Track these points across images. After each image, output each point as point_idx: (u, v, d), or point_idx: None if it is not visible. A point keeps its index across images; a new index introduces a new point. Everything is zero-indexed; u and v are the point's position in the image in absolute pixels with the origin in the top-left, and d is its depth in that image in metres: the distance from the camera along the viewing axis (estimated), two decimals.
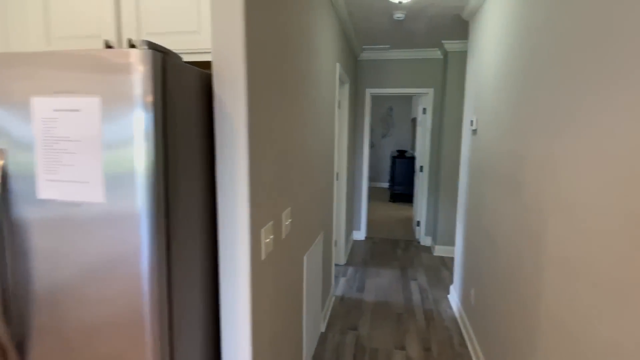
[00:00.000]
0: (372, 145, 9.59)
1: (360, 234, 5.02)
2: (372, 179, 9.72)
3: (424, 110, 4.75)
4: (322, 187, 2.56)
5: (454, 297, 3.13)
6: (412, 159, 7.51)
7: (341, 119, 3.86)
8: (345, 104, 3.86)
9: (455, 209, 4.35)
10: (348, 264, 4.11)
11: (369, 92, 4.74)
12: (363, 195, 4.92)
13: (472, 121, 2.70)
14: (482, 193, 2.47)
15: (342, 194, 3.93)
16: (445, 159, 4.29)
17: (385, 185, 9.70)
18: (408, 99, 9.34)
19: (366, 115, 4.79)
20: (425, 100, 4.71)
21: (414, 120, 8.05)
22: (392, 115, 9.48)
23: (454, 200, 4.34)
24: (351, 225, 4.88)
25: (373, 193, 8.70)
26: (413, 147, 7.96)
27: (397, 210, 6.83)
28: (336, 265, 4.03)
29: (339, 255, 4.02)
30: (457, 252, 3.15)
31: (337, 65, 3.00)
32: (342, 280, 3.64)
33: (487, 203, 2.33)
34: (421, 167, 4.86)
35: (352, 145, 4.58)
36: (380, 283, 3.59)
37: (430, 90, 4.58)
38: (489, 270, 2.24)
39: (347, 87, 3.84)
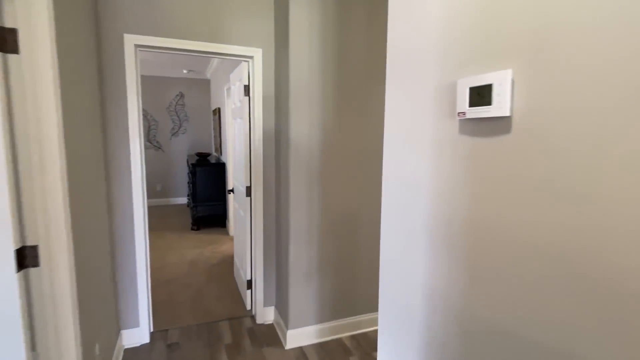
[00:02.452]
0: (157, 147, 6.78)
1: (139, 334, 2.50)
2: (161, 194, 6.93)
3: (245, 89, 2.65)
4: None
5: None
6: (221, 166, 5.31)
7: (30, 92, 1.28)
8: (47, 51, 1.31)
9: (325, 274, 2.48)
10: None
11: (130, 40, 2.25)
12: (138, 249, 2.42)
13: (484, 89, 0.79)
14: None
15: (61, 289, 1.40)
16: (301, 180, 2.34)
17: (182, 200, 7.11)
18: (206, 84, 7.01)
19: (130, 88, 2.28)
20: (247, 70, 2.62)
21: (217, 112, 5.84)
22: (185, 103, 6.94)
23: (323, 253, 2.46)
24: (115, 319, 2.32)
25: (163, 216, 6.00)
26: (219, 149, 5.77)
27: (205, 247, 4.50)
28: None
29: None
30: None
31: None
32: None
33: None
34: (248, 189, 2.76)
35: (94, 150, 2.02)
36: None
37: (257, 53, 2.51)
38: None
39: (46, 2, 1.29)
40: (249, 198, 2.77)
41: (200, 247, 4.52)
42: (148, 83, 6.65)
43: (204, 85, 6.99)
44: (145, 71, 6.43)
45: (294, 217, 2.35)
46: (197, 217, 5.28)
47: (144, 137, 6.66)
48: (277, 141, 2.60)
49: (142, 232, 2.41)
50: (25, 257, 1.33)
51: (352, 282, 2.59)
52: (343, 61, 2.32)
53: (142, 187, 2.40)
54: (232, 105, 3.34)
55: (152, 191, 6.85)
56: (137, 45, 2.28)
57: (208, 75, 6.75)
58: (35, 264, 1.35)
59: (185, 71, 6.44)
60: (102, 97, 2.20)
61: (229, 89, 4.48)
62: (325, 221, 2.44)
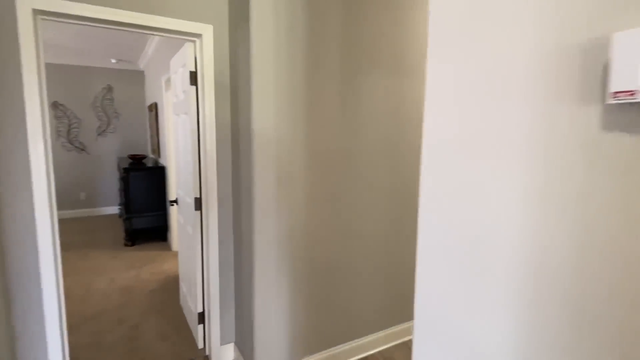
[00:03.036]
0: (80, 149, 5.82)
1: None
2: (86, 203, 5.98)
3: (192, 76, 2.12)
4: None
5: None
6: (159, 170, 4.60)
7: None
8: None
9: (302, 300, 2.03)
10: None
11: (25, 3, 1.62)
12: (46, 276, 1.79)
13: None
14: None
15: None
16: (268, 189, 1.87)
17: (113, 210, 6.21)
18: (139, 76, 6.18)
19: (28, 72, 1.65)
20: (193, 53, 2.09)
21: (153, 108, 5.10)
22: (113, 98, 6.05)
23: (296, 276, 2.01)
24: None
25: (89, 230, 5.12)
26: (157, 151, 5.04)
27: (143, 267, 3.80)
28: None
29: None
30: None
31: None
32: None
33: None
34: (197, 201, 2.23)
35: None
36: None
37: (206, 30, 2.00)
38: None
39: None
40: (199, 212, 2.24)
41: (136, 267, 3.81)
42: (67, 74, 5.66)
43: (137, 78, 6.13)
44: (62, 59, 5.45)
45: (260, 234, 1.89)
46: (132, 230, 4.52)
47: (64, 137, 5.66)
48: (234, 141, 2.10)
49: (51, 254, 1.77)
50: None
51: (328, 308, 2.18)
52: (318, 38, 1.90)
53: (50, 197, 1.77)
54: (173, 99, 2.75)
55: (74, 200, 5.86)
56: (37, 11, 1.65)
57: (141, 66, 5.93)
58: None
59: (113, 60, 5.57)
60: None
61: (168, 81, 3.83)
62: (298, 239, 2.00)
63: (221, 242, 2.21)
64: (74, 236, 4.89)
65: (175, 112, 2.68)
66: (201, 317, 2.34)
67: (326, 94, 1.96)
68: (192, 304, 2.52)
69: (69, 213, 5.85)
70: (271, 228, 1.91)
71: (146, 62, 5.43)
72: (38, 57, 1.68)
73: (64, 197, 5.78)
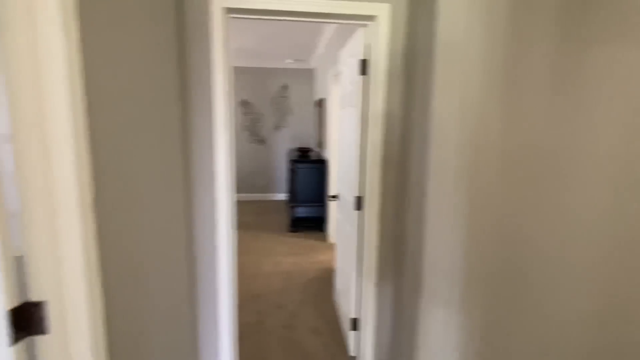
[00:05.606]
0: (261, 141, 6.60)
1: None
2: (260, 188, 6.76)
3: (362, 65, 1.94)
4: None
5: None
6: (322, 163, 4.76)
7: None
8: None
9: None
10: None
11: (217, 3, 1.71)
12: (222, 269, 1.92)
13: None
14: None
15: None
16: (445, 196, 1.54)
17: (281, 196, 6.85)
18: (309, 73, 6.57)
19: (217, 68, 1.76)
20: (364, 39, 1.91)
21: (320, 103, 5.32)
22: (288, 95, 6.61)
23: (476, 321, 1.64)
24: (194, 350, 1.86)
25: (262, 212, 5.73)
26: (321, 144, 5.25)
27: (303, 254, 3.98)
28: None
29: None
30: None
31: None
32: None
33: None
34: (358, 201, 2.07)
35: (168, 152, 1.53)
36: None
37: (382, 10, 1.77)
38: None
39: None
40: (358, 213, 2.07)
41: (297, 254, 4.03)
42: (252, 75, 6.48)
43: (307, 75, 6.55)
44: (249, 62, 6.26)
45: (432, 253, 1.57)
46: (295, 218, 4.84)
47: (249, 130, 6.52)
48: (404, 138, 1.83)
49: (227, 234, 1.89)
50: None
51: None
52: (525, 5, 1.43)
53: (230, 184, 1.88)
54: (340, 92, 2.68)
55: (251, 185, 6.74)
56: (226, 10, 1.74)
57: (312, 64, 6.29)
58: (42, 329, 0.86)
59: (289, 61, 6.07)
60: (182, 80, 1.72)
61: (336, 75, 3.86)
62: (481, 265, 1.60)
63: (381, 251, 1.99)
64: (249, 217, 5.58)
65: (342, 106, 2.59)
66: (353, 324, 2.19)
67: (532, 77, 1.48)
68: (344, 305, 2.42)
69: (246, 196, 6.76)
70: (447, 245, 1.57)
71: (316, 59, 5.70)
72: (225, 53, 1.77)
73: (245, 182, 6.70)
